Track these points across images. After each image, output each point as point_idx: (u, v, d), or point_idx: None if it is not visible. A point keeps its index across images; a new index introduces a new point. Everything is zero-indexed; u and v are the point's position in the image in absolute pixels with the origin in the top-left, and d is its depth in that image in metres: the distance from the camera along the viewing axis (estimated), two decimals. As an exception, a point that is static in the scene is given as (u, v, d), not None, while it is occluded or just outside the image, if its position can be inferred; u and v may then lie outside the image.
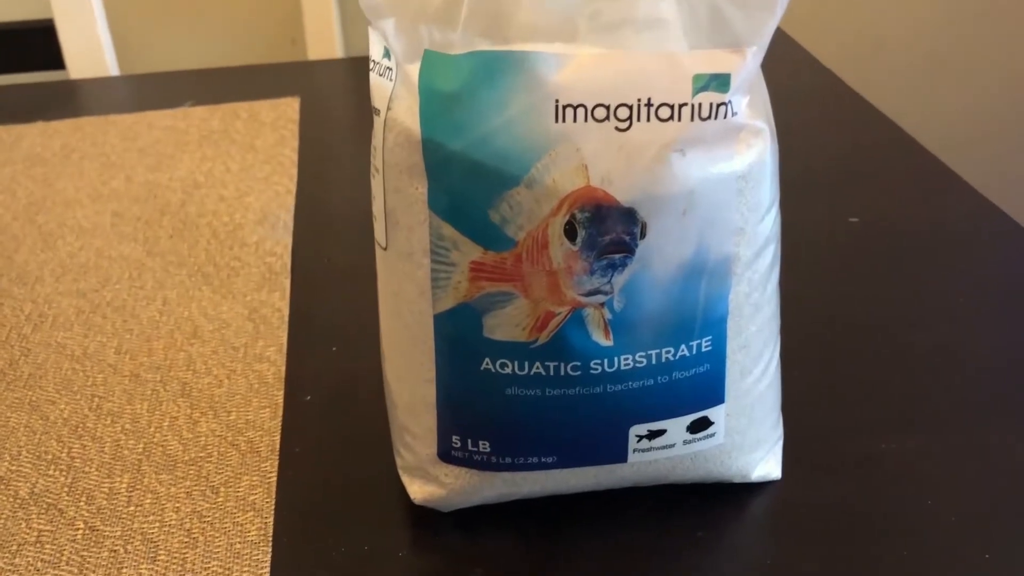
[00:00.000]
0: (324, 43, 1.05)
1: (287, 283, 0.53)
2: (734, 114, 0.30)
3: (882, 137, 0.66)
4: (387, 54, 0.32)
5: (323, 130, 0.71)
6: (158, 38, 1.28)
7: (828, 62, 0.78)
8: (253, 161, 0.66)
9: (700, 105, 0.29)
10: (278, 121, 0.72)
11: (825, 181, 0.61)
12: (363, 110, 0.75)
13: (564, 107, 0.29)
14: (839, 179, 0.61)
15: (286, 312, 0.50)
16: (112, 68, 1.00)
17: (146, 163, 0.67)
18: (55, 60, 1.00)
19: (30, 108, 0.76)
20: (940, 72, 1.32)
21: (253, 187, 0.63)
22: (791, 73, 0.76)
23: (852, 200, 0.58)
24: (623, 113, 0.29)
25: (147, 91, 0.81)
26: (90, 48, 0.98)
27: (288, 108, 0.74)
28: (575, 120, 0.29)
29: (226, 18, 1.29)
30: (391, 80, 0.32)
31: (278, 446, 0.41)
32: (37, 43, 1.00)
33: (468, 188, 0.31)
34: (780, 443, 0.38)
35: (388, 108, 0.32)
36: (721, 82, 0.29)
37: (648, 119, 0.29)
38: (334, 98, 0.78)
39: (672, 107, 0.29)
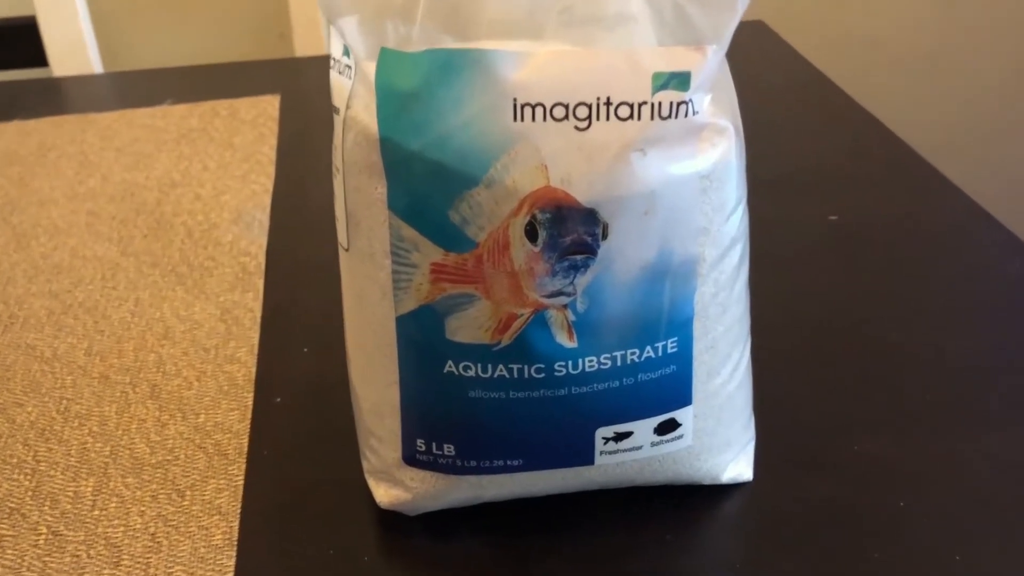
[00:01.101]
0: (312, 38, 1.04)
1: (260, 283, 0.52)
2: (695, 113, 0.30)
3: (865, 134, 0.65)
4: (346, 52, 0.32)
5: (302, 128, 0.70)
6: (142, 35, 1.27)
7: (811, 57, 0.78)
8: (231, 159, 0.66)
9: (660, 104, 0.29)
10: (258, 119, 0.71)
11: (805, 179, 0.60)
12: (344, 107, 0.74)
13: (523, 106, 0.29)
14: (820, 177, 0.60)
15: (258, 313, 0.50)
16: (96, 65, 0.99)
17: (123, 162, 0.66)
18: (38, 57, 0.99)
19: (9, 106, 0.76)
20: (926, 70, 1.31)
21: (230, 186, 0.62)
22: (776, 70, 0.76)
23: (832, 198, 0.58)
24: (582, 112, 0.29)
25: (128, 89, 0.81)
26: (73, 45, 0.98)
27: (268, 106, 0.73)
28: (534, 119, 0.29)
29: (212, 14, 1.28)
30: (350, 78, 0.31)
31: (246, 449, 0.41)
32: (20, 40, 0.99)
33: (427, 188, 0.30)
34: (752, 444, 0.38)
35: (347, 107, 0.31)
36: (681, 80, 0.29)
37: (608, 118, 0.29)
38: (315, 95, 0.77)
39: (632, 106, 0.29)
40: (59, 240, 0.57)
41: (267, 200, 0.60)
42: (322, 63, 0.85)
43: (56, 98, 0.80)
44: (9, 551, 0.37)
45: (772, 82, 0.73)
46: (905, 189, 0.59)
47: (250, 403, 0.43)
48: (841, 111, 0.69)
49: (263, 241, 0.56)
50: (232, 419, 0.43)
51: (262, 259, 0.54)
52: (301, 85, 0.78)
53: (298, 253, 0.55)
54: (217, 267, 0.54)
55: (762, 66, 0.76)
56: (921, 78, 1.31)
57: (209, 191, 0.62)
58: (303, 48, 1.09)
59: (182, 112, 0.73)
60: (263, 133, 0.69)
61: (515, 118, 0.29)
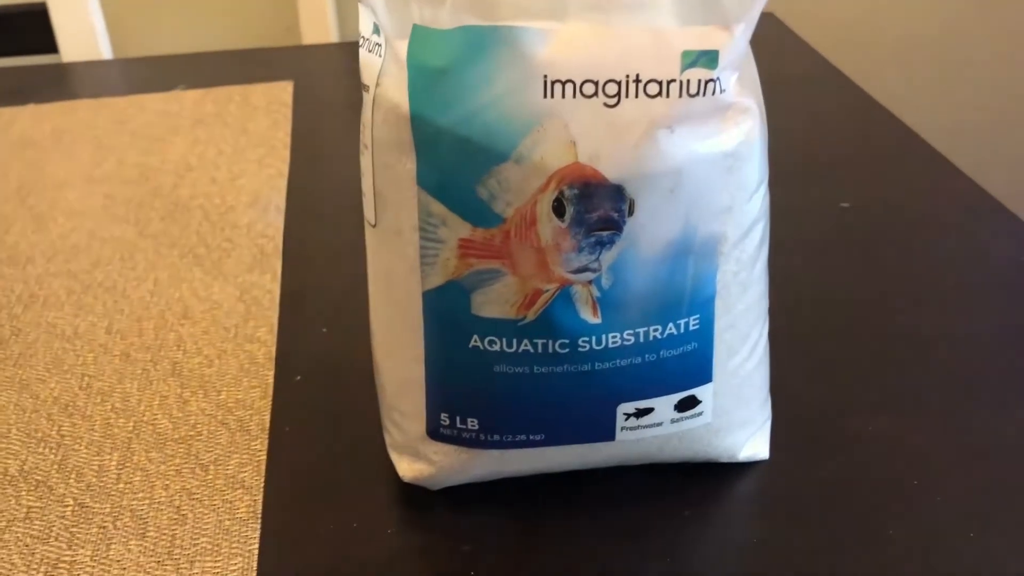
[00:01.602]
0: (319, 27, 1.05)
1: (278, 265, 0.53)
2: (722, 91, 0.30)
3: (874, 123, 0.66)
4: (376, 30, 0.32)
5: (316, 114, 0.70)
6: (151, 22, 1.28)
7: (821, 48, 0.78)
8: (246, 144, 0.66)
9: (688, 81, 0.29)
10: (271, 105, 0.72)
11: (818, 166, 0.61)
12: (357, 94, 0.74)
13: (552, 82, 0.29)
14: (831, 165, 0.61)
15: (277, 293, 0.50)
16: (105, 52, 1.00)
17: (138, 146, 0.66)
18: (48, 44, 1.00)
19: (22, 91, 0.76)
20: (935, 59, 1.32)
21: (245, 170, 0.63)
22: (785, 60, 0.76)
23: (844, 185, 0.58)
24: (611, 89, 0.29)
25: (139, 75, 0.81)
26: (83, 32, 0.98)
27: (281, 92, 0.74)
28: (563, 96, 0.29)
29: (220, 6, 1.29)
30: (380, 56, 0.32)
31: (268, 425, 0.41)
32: (30, 27, 0.99)
33: (456, 164, 0.31)
34: (768, 423, 0.39)
35: (377, 84, 0.32)
36: (709, 59, 0.29)
37: (636, 95, 0.29)
38: (328, 82, 0.78)
39: (660, 83, 0.29)
40: (76, 222, 0.58)
41: (283, 184, 0.60)
42: (333, 51, 0.86)
43: (68, 83, 0.81)
44: (37, 522, 0.37)
45: (782, 73, 0.73)
46: (914, 176, 0.59)
47: (271, 381, 0.44)
48: (850, 100, 0.69)
49: (280, 224, 0.56)
50: (253, 396, 0.43)
51: (279, 241, 0.55)
52: (313, 72, 0.78)
53: (314, 236, 0.55)
54: (235, 249, 0.54)
55: (772, 57, 0.76)
56: (929, 66, 1.32)
57: (225, 175, 0.62)
58: (310, 38, 1.09)
59: (195, 97, 0.73)
60: (277, 119, 0.70)
61: (545, 94, 0.29)
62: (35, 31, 0.99)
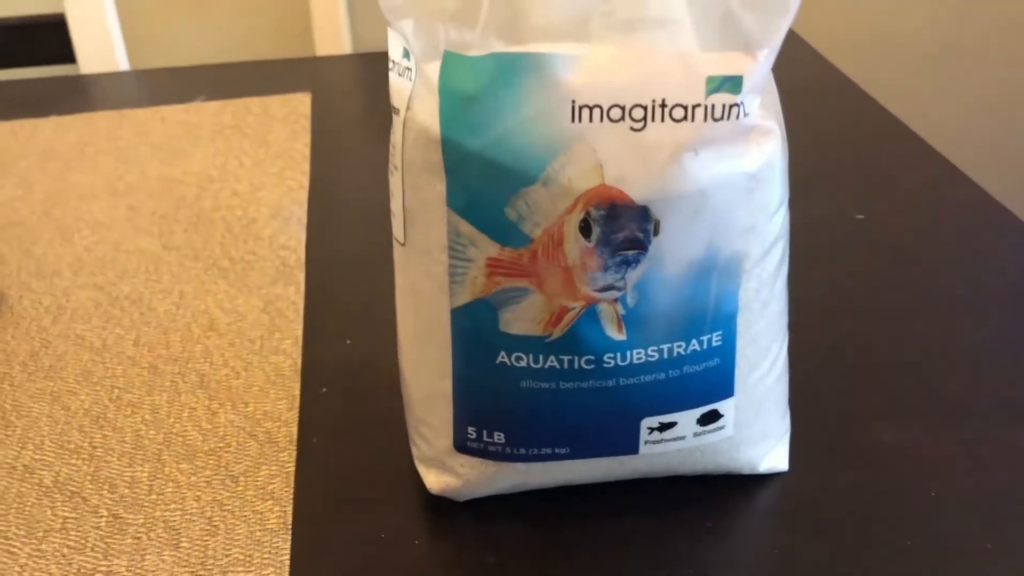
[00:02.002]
0: (332, 38, 1.06)
1: (301, 277, 0.53)
2: (746, 115, 0.31)
3: (888, 135, 0.67)
4: (406, 54, 0.33)
5: (334, 125, 0.71)
6: (165, 33, 1.29)
7: (835, 59, 0.79)
8: (265, 156, 0.67)
9: (713, 106, 0.30)
10: (290, 116, 0.73)
11: (832, 178, 0.61)
12: (374, 106, 0.75)
13: (580, 107, 0.30)
14: (846, 176, 0.62)
15: (301, 305, 0.51)
16: (122, 62, 1.01)
17: (160, 157, 0.67)
18: (66, 54, 1.01)
19: (43, 102, 0.77)
20: (948, 69, 1.32)
21: (266, 182, 0.63)
22: (798, 70, 0.77)
23: (859, 197, 0.59)
24: (638, 113, 0.30)
25: (158, 86, 0.82)
26: (100, 42, 0.99)
27: (300, 103, 0.74)
28: (591, 120, 0.30)
29: (233, 12, 1.30)
30: (410, 80, 0.33)
31: (295, 437, 0.42)
32: (48, 37, 1.00)
33: (486, 186, 0.31)
34: (787, 435, 0.39)
35: (408, 108, 0.33)
36: (734, 84, 0.30)
37: (662, 119, 0.30)
38: (345, 93, 0.79)
39: (686, 108, 0.30)
40: (101, 234, 0.59)
41: (303, 196, 0.61)
42: (348, 62, 0.87)
43: (89, 95, 0.82)
44: (73, 532, 0.38)
45: (796, 83, 0.74)
46: (927, 187, 0.60)
47: (297, 392, 0.45)
48: (864, 111, 0.70)
49: (302, 236, 0.57)
50: (280, 408, 0.44)
51: (302, 253, 0.55)
52: (330, 83, 0.79)
53: (336, 247, 0.56)
54: (258, 261, 0.55)
55: (785, 67, 0.77)
56: (941, 76, 1.32)
57: (246, 187, 0.63)
58: (323, 45, 1.10)
59: (215, 109, 0.74)
60: (296, 130, 0.70)
61: (573, 119, 0.30)
62: (53, 41, 1.00)
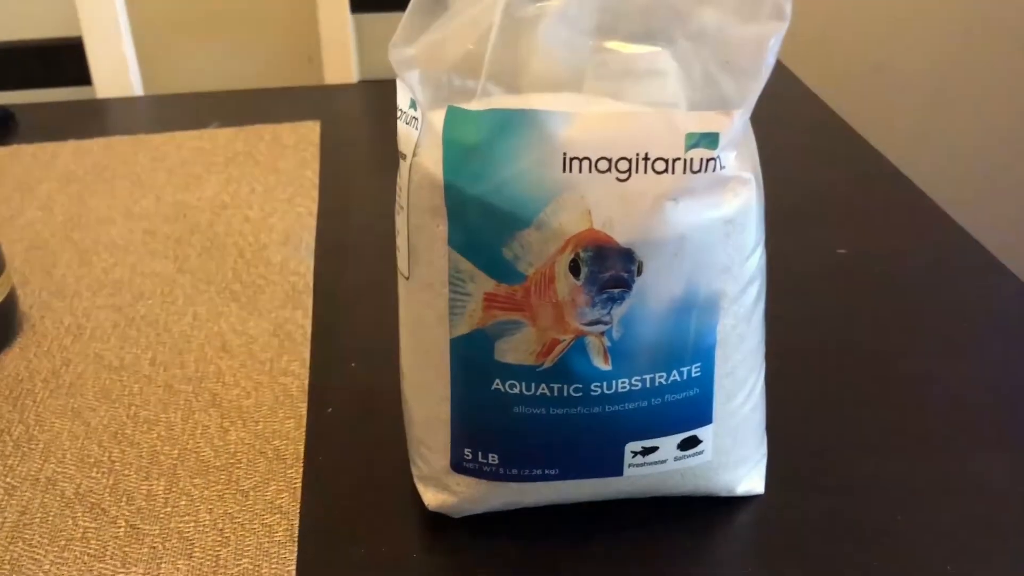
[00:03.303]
0: (341, 66, 1.09)
1: (309, 302, 0.56)
2: (722, 168, 0.34)
3: (871, 170, 0.69)
4: (413, 104, 0.36)
5: (343, 154, 0.74)
6: (176, 57, 1.32)
7: (822, 93, 0.82)
8: (276, 183, 0.70)
9: (692, 160, 0.33)
10: (299, 144, 0.76)
11: (815, 213, 0.64)
12: (382, 135, 0.78)
13: (571, 159, 0.33)
14: (828, 211, 0.65)
15: (309, 329, 0.54)
16: (136, 86, 1.04)
17: (175, 183, 0.70)
18: (82, 76, 1.04)
19: (62, 127, 0.80)
20: (936, 107, 1.35)
21: (277, 208, 0.66)
22: (783, 103, 0.80)
23: (840, 232, 0.62)
24: (623, 165, 0.33)
25: (173, 111, 0.85)
26: (116, 66, 1.02)
27: (309, 131, 0.77)
28: (580, 171, 0.33)
29: (243, 37, 1.33)
30: (416, 129, 0.36)
31: (302, 454, 0.45)
32: (65, 60, 1.04)
33: (484, 228, 0.34)
34: (764, 461, 0.42)
35: (414, 154, 0.36)
36: (711, 140, 0.33)
37: (645, 171, 0.33)
38: (353, 122, 0.82)
39: (667, 161, 0.33)
40: (119, 257, 0.62)
41: (312, 223, 0.64)
42: (356, 90, 0.90)
43: (106, 120, 0.85)
44: (93, 541, 0.41)
45: (780, 116, 0.77)
46: (908, 225, 0.63)
47: (304, 412, 0.47)
48: (845, 146, 0.73)
49: (311, 262, 0.60)
50: (288, 427, 0.47)
51: (310, 279, 0.58)
52: (339, 112, 0.82)
53: (344, 274, 0.59)
54: (268, 286, 0.58)
55: (770, 100, 0.80)
56: (926, 111, 1.35)
57: (257, 213, 0.66)
58: (331, 71, 1.13)
59: (228, 136, 0.77)
60: (305, 158, 0.73)
61: (564, 169, 0.33)
62: (70, 64, 1.03)
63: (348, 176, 0.71)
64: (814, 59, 1.17)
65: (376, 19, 1.13)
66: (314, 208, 0.66)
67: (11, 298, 0.54)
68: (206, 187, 0.70)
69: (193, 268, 0.60)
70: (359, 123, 0.82)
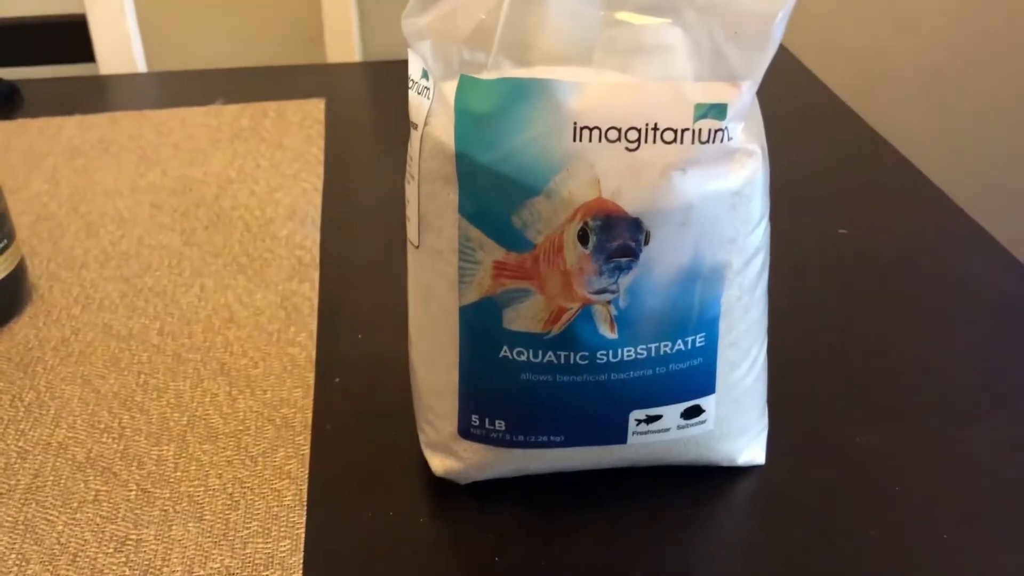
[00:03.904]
0: (343, 44, 1.09)
1: (316, 275, 0.57)
2: (730, 139, 0.34)
3: (872, 154, 0.70)
4: (425, 74, 0.37)
5: (348, 131, 0.75)
6: (179, 35, 1.32)
7: (824, 75, 0.82)
8: (282, 159, 0.70)
9: (700, 130, 0.34)
10: (305, 121, 0.76)
11: (817, 194, 0.65)
12: (385, 113, 0.79)
13: (581, 129, 0.34)
14: (830, 193, 0.65)
15: (315, 301, 0.54)
16: (140, 63, 1.04)
17: (180, 157, 0.71)
18: (86, 54, 1.04)
19: (68, 102, 0.81)
20: (934, 90, 1.36)
21: (282, 184, 0.67)
22: (787, 87, 0.80)
23: (842, 213, 0.62)
24: (632, 135, 0.33)
25: (178, 88, 0.86)
26: (120, 44, 1.03)
27: (314, 108, 0.78)
28: (590, 140, 0.34)
29: (245, 17, 1.33)
30: (428, 99, 0.36)
31: (310, 422, 0.45)
32: (69, 37, 1.04)
33: (494, 196, 0.35)
34: (765, 432, 0.43)
35: (425, 124, 0.36)
36: (719, 111, 0.33)
37: (654, 141, 0.34)
38: (357, 100, 0.82)
39: (676, 131, 0.33)
40: (126, 229, 0.62)
41: (318, 198, 0.65)
42: (359, 70, 0.90)
43: (111, 95, 0.85)
44: (105, 504, 0.41)
45: (783, 98, 0.77)
46: (907, 206, 0.63)
47: (311, 382, 0.48)
48: (851, 129, 0.73)
49: (316, 236, 0.60)
50: (296, 396, 0.47)
51: (316, 252, 0.59)
52: (343, 90, 0.83)
53: (349, 248, 0.59)
54: (275, 259, 0.58)
55: (774, 84, 0.81)
56: (928, 97, 1.36)
57: (263, 188, 0.66)
58: (333, 50, 1.13)
59: (233, 112, 0.78)
60: (310, 135, 0.74)
61: (574, 139, 0.34)
62: (74, 41, 1.04)
63: (353, 153, 0.72)
64: (813, 40, 1.17)
65: (378, 1, 1.14)
66: (319, 184, 0.67)
67: (20, 268, 0.54)
68: (212, 162, 0.70)
69: (200, 241, 0.60)
70: (363, 101, 0.83)
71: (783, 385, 0.46)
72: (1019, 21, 1.32)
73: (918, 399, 0.46)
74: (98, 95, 0.84)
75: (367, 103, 0.82)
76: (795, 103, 0.78)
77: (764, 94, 0.37)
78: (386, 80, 0.85)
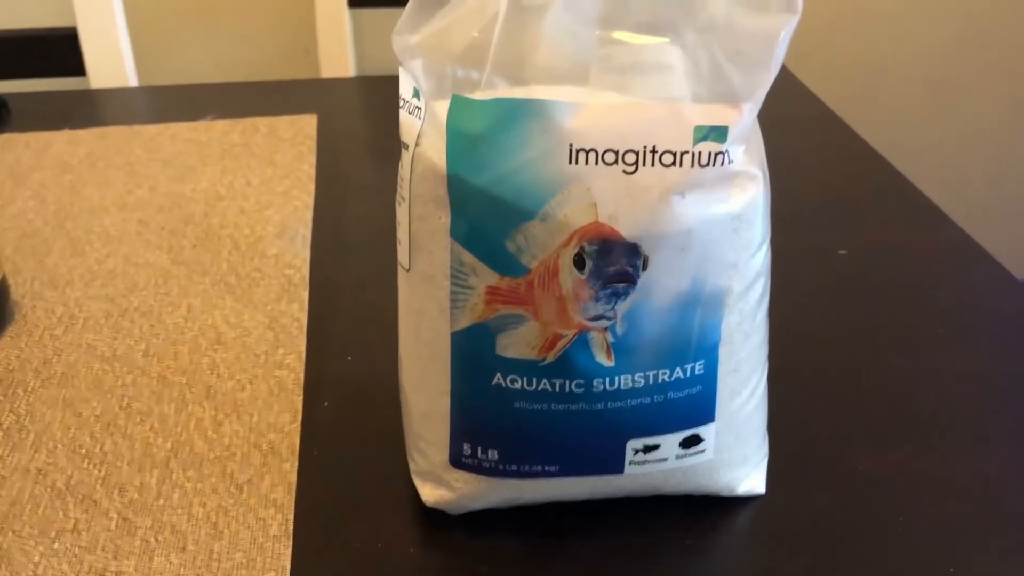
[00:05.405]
0: (337, 60, 1.08)
1: (305, 295, 0.56)
2: (730, 162, 0.33)
3: (872, 173, 0.69)
4: (416, 94, 0.36)
5: (340, 147, 0.74)
6: (172, 48, 1.31)
7: (823, 93, 0.82)
8: (272, 175, 0.69)
9: (700, 153, 0.33)
10: (296, 137, 0.75)
11: (817, 214, 0.64)
12: (377, 128, 0.78)
13: (577, 151, 0.32)
14: (830, 213, 0.64)
15: (304, 322, 0.53)
16: (131, 78, 1.03)
17: (169, 174, 0.70)
18: (76, 66, 1.03)
19: (55, 116, 0.79)
20: (936, 107, 1.35)
21: (273, 201, 0.66)
22: (786, 105, 0.80)
23: (842, 233, 0.61)
24: (630, 158, 0.32)
25: (168, 103, 0.85)
26: (111, 57, 1.01)
27: (306, 124, 0.77)
28: (587, 163, 0.33)
29: (240, 29, 1.33)
30: (419, 119, 0.35)
31: (297, 448, 0.44)
32: (60, 50, 1.03)
33: (487, 220, 0.34)
34: (765, 461, 0.41)
35: (416, 144, 0.35)
36: (719, 134, 0.32)
37: (653, 164, 0.33)
38: (350, 117, 0.81)
39: (675, 154, 0.32)
40: (112, 247, 0.61)
41: (308, 216, 0.64)
42: (352, 85, 0.89)
43: (101, 110, 0.84)
44: (84, 533, 0.40)
45: (783, 117, 0.76)
46: (907, 226, 0.62)
47: (299, 406, 0.47)
48: (847, 148, 0.73)
49: (306, 255, 0.59)
50: (283, 420, 0.46)
51: (306, 272, 0.58)
52: (335, 106, 0.82)
53: (339, 268, 0.58)
54: (264, 278, 0.57)
55: (772, 101, 0.80)
56: (927, 112, 1.35)
57: (253, 205, 0.65)
58: (328, 63, 1.13)
59: (224, 128, 0.77)
60: (302, 151, 0.73)
61: (570, 161, 0.33)
62: (65, 54, 1.03)
63: (345, 170, 0.71)
64: (811, 58, 1.16)
65: (373, 14, 1.13)
66: (310, 201, 0.66)
67: (2, 286, 0.53)
68: (201, 179, 0.69)
69: (187, 260, 0.59)
70: (356, 117, 0.82)
71: (785, 412, 0.44)
72: (1016, 37, 1.32)
73: (923, 423, 0.45)
74: (88, 109, 0.83)
75: (360, 119, 0.81)
76: (789, 118, 0.77)
77: (759, 110, 0.36)
78: (380, 95, 0.84)
